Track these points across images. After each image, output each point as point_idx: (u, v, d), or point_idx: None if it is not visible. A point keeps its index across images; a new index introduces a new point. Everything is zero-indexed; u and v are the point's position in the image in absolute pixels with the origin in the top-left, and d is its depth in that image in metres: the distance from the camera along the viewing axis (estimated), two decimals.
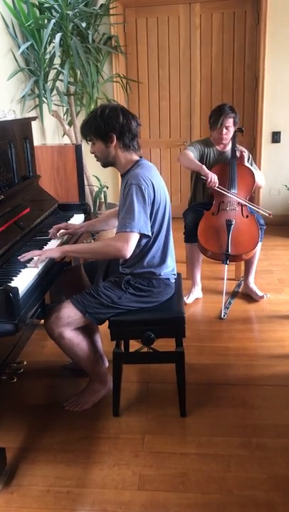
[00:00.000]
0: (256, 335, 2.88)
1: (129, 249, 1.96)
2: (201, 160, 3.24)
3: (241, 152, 3.19)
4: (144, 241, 2.05)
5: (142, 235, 1.99)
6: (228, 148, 3.29)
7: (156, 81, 4.99)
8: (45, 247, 2.18)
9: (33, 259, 2.00)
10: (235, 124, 3.20)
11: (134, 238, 1.96)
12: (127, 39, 4.87)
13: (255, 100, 4.82)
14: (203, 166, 3.09)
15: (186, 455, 1.91)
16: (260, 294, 3.27)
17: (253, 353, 2.65)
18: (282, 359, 2.57)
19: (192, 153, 3.19)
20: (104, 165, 2.14)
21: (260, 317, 3.07)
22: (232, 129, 3.20)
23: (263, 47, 4.53)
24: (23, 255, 2.00)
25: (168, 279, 2.16)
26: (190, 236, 3.20)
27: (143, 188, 1.95)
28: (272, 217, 3.19)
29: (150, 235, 2.01)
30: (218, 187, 3.06)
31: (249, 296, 3.32)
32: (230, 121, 3.15)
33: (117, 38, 4.46)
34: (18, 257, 2.00)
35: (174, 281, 2.21)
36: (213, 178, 3.03)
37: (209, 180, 3.02)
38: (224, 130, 3.16)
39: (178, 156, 3.30)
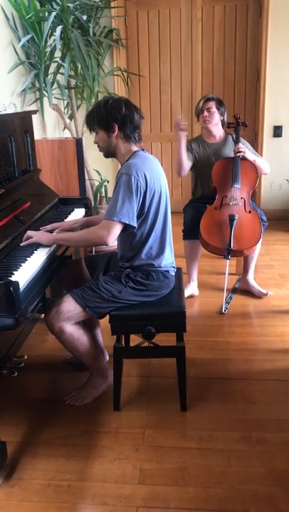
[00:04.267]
0: (257, 330, 2.88)
1: (111, 237, 1.97)
2: (194, 156, 3.29)
3: (240, 151, 3.14)
4: (138, 233, 2.05)
5: (126, 225, 1.99)
6: (221, 138, 3.29)
7: (158, 74, 4.96)
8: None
9: (36, 250, 2.01)
10: (218, 109, 3.20)
11: (115, 226, 1.96)
12: (128, 32, 4.84)
13: (257, 94, 4.80)
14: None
15: (186, 449, 1.91)
16: (263, 291, 3.24)
17: (254, 347, 2.65)
18: (283, 354, 2.56)
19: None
20: (106, 155, 2.16)
21: (261, 312, 3.07)
22: (216, 114, 3.20)
23: (265, 40, 4.51)
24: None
25: (167, 271, 2.16)
26: (189, 233, 3.19)
27: (132, 178, 1.95)
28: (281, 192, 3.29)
29: (134, 225, 2.00)
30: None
31: (250, 292, 3.31)
32: (210, 104, 3.19)
33: (118, 31, 4.44)
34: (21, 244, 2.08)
35: (173, 274, 2.21)
36: (177, 121, 3.19)
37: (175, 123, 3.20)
38: (205, 112, 3.19)
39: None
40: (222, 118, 3.26)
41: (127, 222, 1.97)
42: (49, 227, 2.32)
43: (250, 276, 3.31)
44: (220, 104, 3.22)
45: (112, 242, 2.00)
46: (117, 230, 1.97)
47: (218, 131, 3.27)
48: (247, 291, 3.32)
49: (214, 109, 3.19)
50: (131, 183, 1.95)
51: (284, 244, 4.26)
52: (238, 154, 3.12)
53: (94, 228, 2.06)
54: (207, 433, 1.99)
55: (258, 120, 4.82)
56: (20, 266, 1.88)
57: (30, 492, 1.73)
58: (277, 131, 4.76)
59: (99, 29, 4.27)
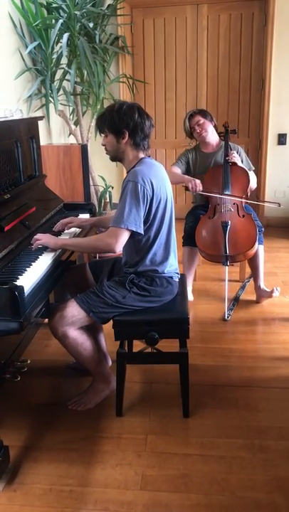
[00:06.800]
0: (260, 337, 2.88)
1: (118, 245, 1.98)
2: (188, 169, 3.34)
3: (233, 158, 3.18)
4: (143, 239, 2.06)
5: (133, 232, 2.00)
6: (216, 147, 3.32)
7: (163, 82, 4.99)
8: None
9: (41, 255, 2.03)
10: (206, 117, 3.24)
11: (123, 234, 1.97)
12: (134, 39, 4.88)
13: (262, 102, 4.82)
14: (184, 176, 3.23)
15: (188, 456, 1.91)
16: (269, 289, 3.23)
17: (257, 355, 2.65)
18: (286, 361, 2.56)
19: (178, 169, 3.31)
20: (113, 159, 2.17)
21: (264, 319, 3.07)
22: (207, 124, 3.24)
23: (270, 48, 4.53)
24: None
25: (171, 277, 2.16)
26: (188, 240, 3.22)
27: (139, 185, 1.96)
28: (283, 207, 3.31)
29: (141, 232, 2.01)
30: (202, 191, 3.13)
31: (253, 298, 3.31)
32: (196, 118, 3.23)
33: (124, 38, 4.47)
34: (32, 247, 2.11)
35: (177, 280, 2.21)
36: (193, 183, 3.11)
37: (190, 187, 3.12)
38: (197, 128, 3.23)
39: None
40: (214, 123, 3.30)
41: (134, 230, 1.98)
42: (58, 224, 2.36)
43: (261, 283, 3.27)
44: (204, 113, 3.27)
45: (120, 249, 2.02)
46: (124, 237, 1.98)
47: (214, 138, 3.32)
48: (250, 297, 3.32)
49: (202, 121, 3.22)
50: (138, 191, 1.95)
51: (287, 251, 4.26)
52: (228, 160, 3.16)
53: (101, 235, 2.07)
54: (209, 440, 1.99)
55: (262, 128, 4.84)
56: (25, 270, 1.89)
57: (32, 497, 1.74)
58: (282, 139, 4.77)
59: (105, 36, 4.30)
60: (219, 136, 3.38)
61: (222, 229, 3.03)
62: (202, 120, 3.22)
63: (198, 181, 3.12)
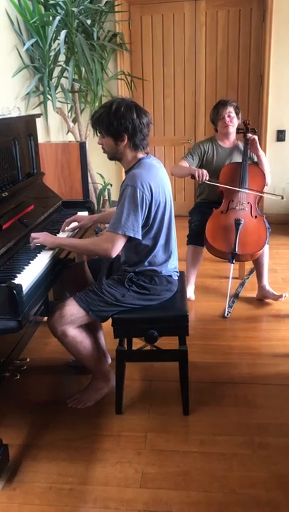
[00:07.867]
0: (260, 334, 2.88)
1: (115, 250, 1.98)
2: (202, 161, 3.28)
3: (253, 139, 3.18)
4: (142, 242, 2.05)
5: (131, 237, 1.98)
6: (233, 143, 3.30)
7: (161, 79, 4.97)
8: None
9: (39, 253, 2.03)
10: (237, 114, 3.22)
11: (119, 239, 1.96)
12: (132, 36, 4.86)
13: (260, 98, 4.81)
14: (191, 167, 3.16)
15: (188, 453, 1.91)
16: (277, 294, 3.20)
17: (257, 351, 2.65)
18: (286, 358, 2.56)
19: (186, 163, 3.24)
20: (111, 159, 2.14)
21: (264, 316, 3.06)
22: (235, 119, 3.22)
23: (269, 45, 4.52)
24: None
25: (170, 276, 2.16)
26: (193, 239, 3.19)
27: (138, 190, 1.93)
28: (284, 199, 3.35)
29: (139, 238, 1.99)
30: (208, 180, 3.08)
31: (252, 295, 3.31)
32: (230, 109, 3.20)
33: (121, 35, 4.45)
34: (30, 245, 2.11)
35: (176, 278, 2.21)
36: (199, 172, 3.04)
37: (197, 175, 3.04)
38: (227, 118, 3.19)
39: (171, 168, 3.30)
40: (239, 122, 3.28)
41: (132, 235, 1.96)
42: (64, 224, 2.37)
43: (266, 283, 3.25)
44: (238, 108, 3.25)
45: (116, 254, 2.01)
46: (121, 243, 1.97)
47: (234, 135, 3.30)
48: (251, 294, 3.31)
49: (234, 114, 3.20)
50: (136, 196, 1.93)
51: (287, 248, 4.26)
52: (248, 138, 3.16)
53: (98, 240, 2.07)
54: (209, 437, 1.99)
55: (261, 124, 4.82)
56: (24, 269, 1.89)
57: (32, 495, 1.73)
58: (281, 136, 4.76)
59: (103, 33, 4.29)
60: (238, 133, 3.35)
61: (234, 226, 3.01)
62: (233, 114, 3.20)
63: (204, 171, 3.06)
